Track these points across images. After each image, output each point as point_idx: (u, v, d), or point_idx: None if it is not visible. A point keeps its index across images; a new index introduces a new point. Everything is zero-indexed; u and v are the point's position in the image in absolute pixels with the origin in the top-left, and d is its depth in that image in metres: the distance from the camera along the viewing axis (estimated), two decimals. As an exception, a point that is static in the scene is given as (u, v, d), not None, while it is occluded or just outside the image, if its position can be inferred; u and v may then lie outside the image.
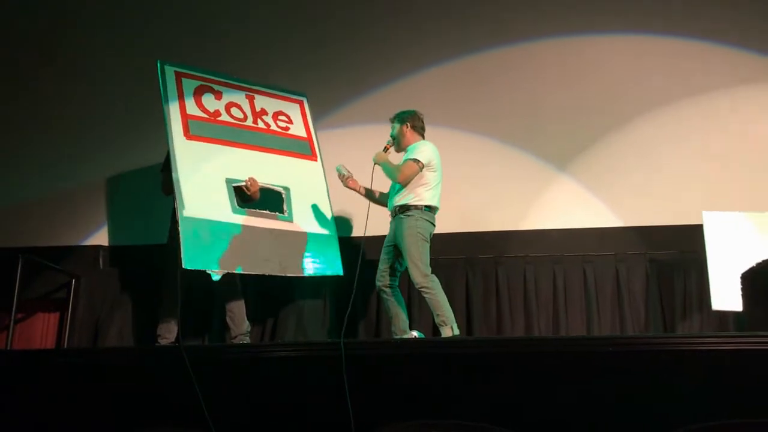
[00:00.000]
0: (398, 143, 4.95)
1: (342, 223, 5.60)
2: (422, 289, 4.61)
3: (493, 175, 5.80)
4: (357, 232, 5.59)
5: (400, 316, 4.78)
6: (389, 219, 4.89)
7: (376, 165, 4.84)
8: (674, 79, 5.82)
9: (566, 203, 5.73)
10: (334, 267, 5.03)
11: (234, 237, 4.69)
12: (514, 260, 5.57)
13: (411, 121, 4.94)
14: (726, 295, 4.60)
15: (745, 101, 5.71)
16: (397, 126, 4.96)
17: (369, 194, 5.02)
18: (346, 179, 5.00)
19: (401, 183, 4.75)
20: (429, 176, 4.76)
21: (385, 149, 4.92)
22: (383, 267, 4.83)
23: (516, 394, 3.87)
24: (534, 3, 6.08)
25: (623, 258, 5.49)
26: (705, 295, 5.00)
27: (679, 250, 5.40)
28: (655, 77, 5.85)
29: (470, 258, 5.59)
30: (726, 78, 5.75)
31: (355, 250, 5.05)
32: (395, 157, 4.94)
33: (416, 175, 4.72)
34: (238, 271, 4.72)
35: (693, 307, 5.28)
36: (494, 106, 5.96)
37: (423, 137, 4.97)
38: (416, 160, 4.72)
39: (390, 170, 4.80)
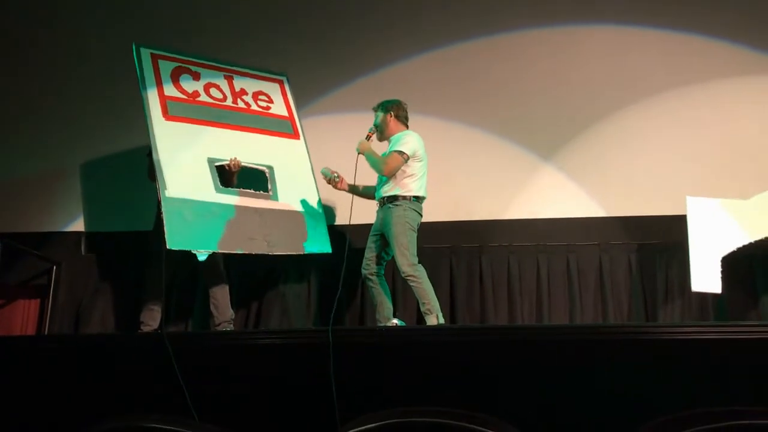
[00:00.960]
0: (381, 132, 4.94)
1: (326, 212, 5.59)
2: (409, 278, 4.61)
3: (478, 164, 5.79)
4: (340, 220, 5.56)
5: (384, 304, 4.79)
6: (376, 208, 4.88)
7: (359, 155, 4.82)
8: (660, 70, 5.83)
9: (551, 193, 5.73)
10: (323, 245, 4.97)
11: (220, 217, 4.65)
12: (498, 249, 5.58)
13: (395, 111, 4.92)
14: (706, 277, 4.65)
15: (729, 94, 5.72)
16: (380, 115, 4.94)
17: (354, 190, 4.99)
18: (335, 183, 4.95)
19: (386, 175, 4.74)
20: (415, 166, 4.76)
21: (368, 137, 4.90)
22: (369, 255, 4.83)
23: (499, 382, 3.89)
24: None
25: (607, 248, 5.51)
26: (686, 283, 5.02)
27: (662, 240, 5.43)
28: (641, 68, 5.85)
29: (454, 247, 5.60)
30: (711, 70, 5.76)
31: (339, 237, 5.06)
32: (378, 147, 4.92)
33: (401, 166, 4.71)
34: (239, 251, 4.66)
35: (675, 295, 5.32)
36: (479, 95, 5.96)
37: (407, 127, 4.96)
38: (401, 152, 4.72)
39: (375, 161, 4.79)
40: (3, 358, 4.30)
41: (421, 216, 4.78)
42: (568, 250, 5.53)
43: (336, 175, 4.96)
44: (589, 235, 5.56)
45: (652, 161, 5.67)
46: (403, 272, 4.62)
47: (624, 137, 5.77)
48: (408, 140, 4.77)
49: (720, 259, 4.61)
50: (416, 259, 4.65)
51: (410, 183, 4.74)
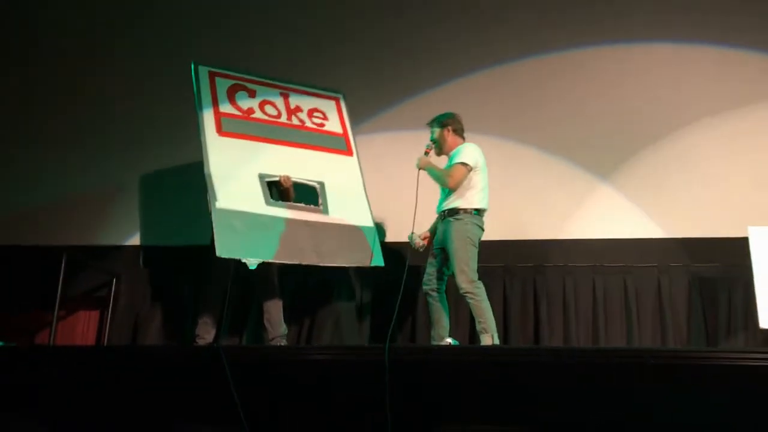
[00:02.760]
0: (439, 147, 4.92)
1: (380, 228, 5.60)
2: (467, 295, 4.55)
3: (534, 183, 5.74)
4: (394, 237, 5.55)
5: (441, 322, 4.74)
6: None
7: (420, 171, 4.80)
8: (721, 89, 5.72)
9: (608, 213, 5.64)
10: (376, 258, 4.94)
11: (271, 228, 4.68)
12: (553, 269, 5.50)
13: (452, 125, 4.90)
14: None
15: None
16: (437, 130, 4.93)
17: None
18: (419, 246, 4.91)
19: (452, 188, 4.70)
20: (476, 178, 4.72)
21: (426, 153, 4.89)
22: (430, 270, 4.80)
23: (553, 404, 3.82)
24: (577, 11, 6.02)
25: (665, 270, 5.39)
26: (751, 311, 4.88)
27: (723, 264, 5.28)
28: (701, 87, 5.75)
29: (509, 266, 5.54)
30: (770, 88, 5.64)
31: (395, 254, 5.05)
32: (436, 162, 4.91)
33: (465, 178, 4.69)
34: (290, 261, 4.69)
35: (738, 323, 5.16)
36: (535, 114, 5.92)
37: (464, 139, 4.94)
38: (464, 163, 4.69)
39: (438, 175, 4.77)
40: (64, 367, 4.41)
41: (483, 231, 4.72)
42: (625, 272, 5.42)
43: (423, 245, 4.90)
44: (647, 256, 5.44)
45: (712, 182, 5.54)
46: (462, 288, 4.56)
47: (684, 157, 5.66)
48: (469, 152, 4.74)
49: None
50: (476, 276, 4.59)
51: (472, 195, 4.69)
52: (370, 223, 5.05)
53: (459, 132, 4.92)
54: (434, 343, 4.68)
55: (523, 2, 6.11)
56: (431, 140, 4.94)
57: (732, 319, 5.19)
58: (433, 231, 4.91)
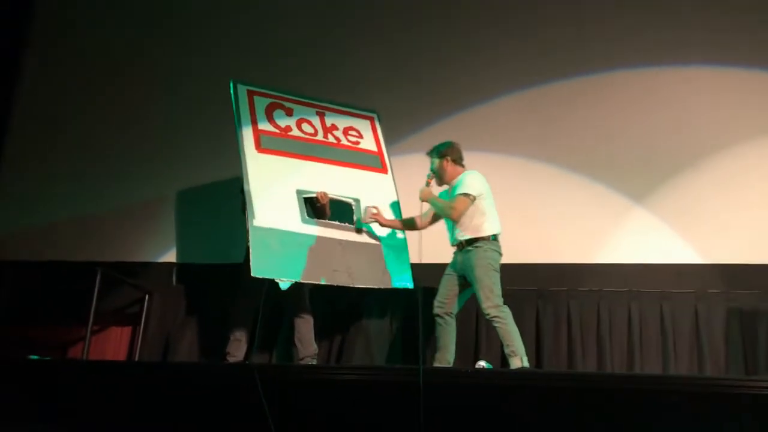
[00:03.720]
0: (440, 178, 4.93)
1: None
2: (494, 319, 4.52)
3: (568, 206, 5.68)
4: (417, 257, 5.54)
5: (447, 348, 4.70)
6: (446, 246, 4.82)
7: (423, 202, 4.82)
8: (758, 112, 5.64)
9: (643, 237, 5.56)
10: (405, 280, 4.97)
11: (305, 247, 4.71)
12: (587, 294, 5.42)
13: (450, 155, 4.89)
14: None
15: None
16: (436, 161, 4.92)
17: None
18: (371, 219, 4.97)
19: (455, 219, 4.71)
20: (483, 205, 4.72)
21: (427, 183, 4.90)
22: (444, 293, 4.77)
23: (587, 428, 3.75)
24: (609, 34, 6.00)
25: (703, 296, 5.29)
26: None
27: (763, 291, 5.17)
28: (738, 110, 5.68)
29: (542, 290, 5.47)
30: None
31: (425, 274, 5.02)
32: (437, 191, 4.91)
33: (468, 208, 4.69)
34: (322, 282, 4.72)
35: (778, 348, 5.05)
36: (570, 136, 5.88)
37: (464, 167, 4.92)
38: (467, 194, 4.69)
39: (441, 207, 4.79)
40: (96, 382, 4.43)
41: (501, 255, 4.71)
42: (661, 297, 5.32)
43: (373, 220, 4.97)
44: (684, 282, 5.35)
45: (750, 207, 5.46)
46: (488, 314, 4.54)
47: (721, 181, 5.58)
48: (471, 181, 4.74)
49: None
50: (501, 300, 4.57)
51: (484, 224, 4.69)
52: (402, 243, 5.05)
53: (458, 161, 4.91)
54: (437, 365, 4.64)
55: (559, 22, 6.08)
56: (431, 170, 4.94)
57: (771, 347, 5.07)
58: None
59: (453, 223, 4.77)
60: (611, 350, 5.24)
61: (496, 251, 4.68)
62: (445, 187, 4.92)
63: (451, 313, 4.76)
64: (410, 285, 4.95)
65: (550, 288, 5.49)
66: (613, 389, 3.94)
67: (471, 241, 4.68)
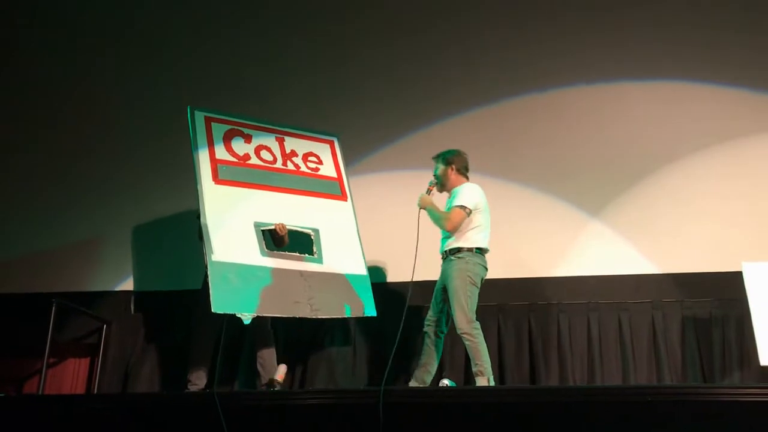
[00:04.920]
0: (442, 184, 4.92)
1: (378, 270, 5.58)
2: (464, 335, 4.51)
3: (526, 221, 5.74)
4: (393, 277, 5.55)
5: (428, 367, 4.70)
6: (433, 264, 4.82)
7: (421, 210, 4.80)
8: (709, 125, 5.77)
9: (600, 250, 5.64)
10: (367, 308, 4.91)
11: (264, 281, 4.66)
12: (547, 307, 5.48)
13: (456, 163, 4.90)
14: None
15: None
16: (441, 167, 4.92)
17: None
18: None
19: (449, 230, 4.69)
20: (478, 218, 4.71)
21: (428, 191, 4.89)
22: (434, 312, 4.76)
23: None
24: (564, 50, 6.10)
25: (659, 305, 5.38)
26: (746, 345, 4.88)
27: (717, 298, 5.29)
28: (689, 123, 5.81)
29: (502, 305, 5.51)
30: (757, 124, 5.70)
31: (394, 295, 5.01)
32: (437, 198, 4.91)
33: (463, 221, 4.68)
34: (283, 315, 4.67)
35: (732, 358, 5.14)
36: (526, 152, 5.96)
37: (467, 178, 4.93)
38: (463, 207, 4.68)
39: (437, 217, 4.75)
40: (53, 417, 4.33)
41: (486, 270, 4.71)
42: (619, 308, 5.41)
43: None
44: (641, 292, 5.44)
45: (703, 217, 5.57)
46: (459, 329, 4.52)
47: (674, 192, 5.69)
48: (468, 193, 4.74)
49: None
50: (474, 316, 4.55)
51: (473, 235, 4.68)
52: (363, 272, 5.02)
53: (462, 171, 4.92)
54: (413, 384, 4.63)
55: (514, 41, 6.18)
56: (434, 175, 4.94)
57: (726, 354, 5.17)
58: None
59: (446, 233, 4.75)
60: (572, 362, 5.30)
61: (480, 265, 4.66)
62: (446, 195, 4.91)
63: (440, 331, 4.73)
64: (373, 313, 4.89)
65: (511, 303, 5.52)
66: (575, 402, 3.96)
67: (455, 251, 4.67)
